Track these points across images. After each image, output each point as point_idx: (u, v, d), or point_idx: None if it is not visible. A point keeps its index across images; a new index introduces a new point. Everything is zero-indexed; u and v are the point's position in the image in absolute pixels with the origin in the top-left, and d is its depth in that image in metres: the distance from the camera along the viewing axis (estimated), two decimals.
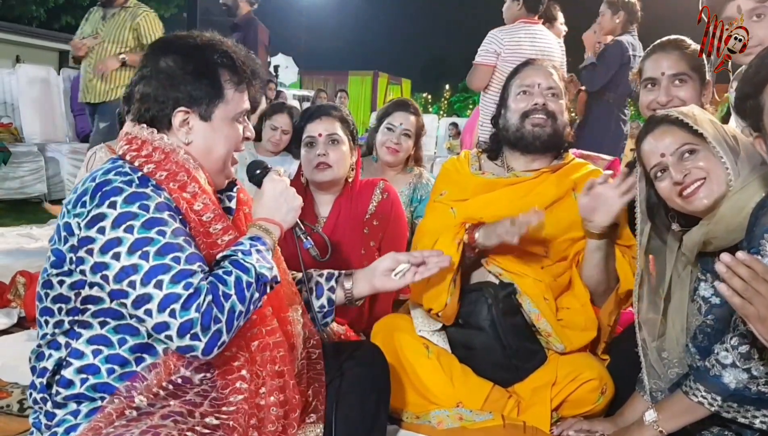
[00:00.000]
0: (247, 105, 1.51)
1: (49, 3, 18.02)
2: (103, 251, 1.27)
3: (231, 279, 1.29)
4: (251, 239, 1.40)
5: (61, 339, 1.37)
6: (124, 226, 1.27)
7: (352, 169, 2.42)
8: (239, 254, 1.34)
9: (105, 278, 1.27)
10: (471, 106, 21.03)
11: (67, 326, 1.37)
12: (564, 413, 2.02)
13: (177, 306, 1.23)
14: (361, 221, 2.38)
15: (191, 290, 1.24)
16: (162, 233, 1.28)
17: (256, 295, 1.33)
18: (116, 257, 1.26)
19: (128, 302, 1.26)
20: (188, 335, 1.23)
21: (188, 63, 1.43)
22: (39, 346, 1.42)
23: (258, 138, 3.87)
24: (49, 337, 1.39)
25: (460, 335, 2.12)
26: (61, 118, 6.72)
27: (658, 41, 2.19)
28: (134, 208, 1.29)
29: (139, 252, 1.25)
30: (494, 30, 4.14)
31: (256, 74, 1.52)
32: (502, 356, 2.06)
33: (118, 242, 1.26)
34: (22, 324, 2.80)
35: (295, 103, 12.31)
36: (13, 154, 5.58)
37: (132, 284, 1.25)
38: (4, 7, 16.98)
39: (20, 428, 1.87)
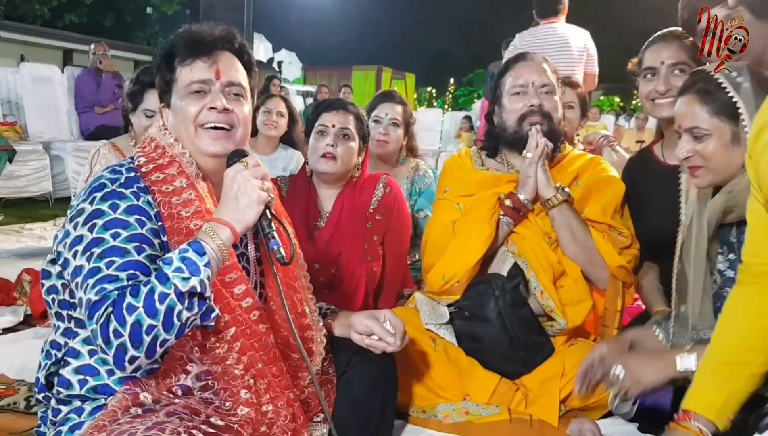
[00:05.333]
0: (196, 76, 1.42)
1: (53, 2, 18.07)
2: (70, 247, 1.28)
3: (144, 290, 1.18)
4: (189, 243, 1.26)
5: (60, 339, 1.39)
6: (89, 224, 1.27)
7: (357, 169, 2.40)
8: (161, 263, 1.23)
9: (68, 275, 1.29)
10: (476, 100, 21.00)
11: (65, 323, 1.38)
12: (572, 404, 2.01)
13: (89, 312, 1.20)
14: (364, 215, 2.37)
15: (99, 297, 1.19)
16: (116, 236, 1.25)
17: (178, 307, 1.19)
18: (74, 255, 1.26)
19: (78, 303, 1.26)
20: (100, 345, 1.19)
21: (156, 61, 1.49)
22: (44, 344, 1.43)
23: (254, 134, 3.84)
24: (53, 335, 1.41)
25: (467, 327, 2.12)
26: (65, 116, 6.72)
27: (659, 32, 2.18)
28: (104, 206, 1.28)
29: (88, 253, 1.24)
30: (519, 33, 4.57)
31: (206, 45, 1.43)
32: (510, 348, 2.05)
33: (80, 239, 1.26)
34: (28, 322, 2.81)
35: (299, 99, 12.32)
36: (17, 153, 5.57)
37: (77, 286, 1.24)
38: (9, 6, 17.04)
39: (27, 424, 1.86)
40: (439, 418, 2.00)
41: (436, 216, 2.29)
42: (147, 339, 1.17)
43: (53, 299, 1.39)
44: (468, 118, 11.89)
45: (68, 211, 1.36)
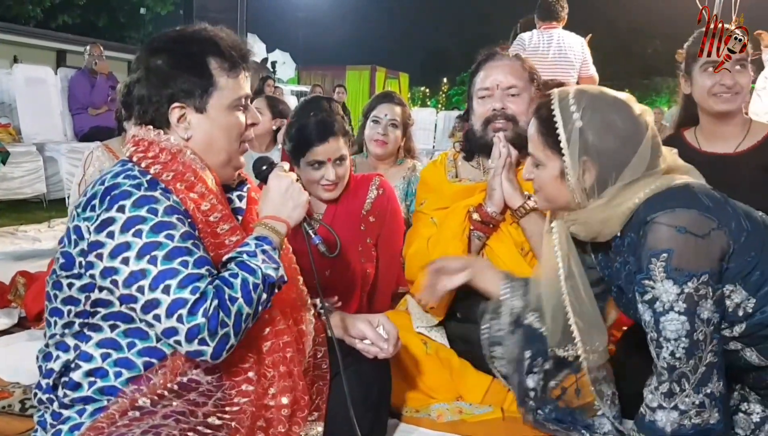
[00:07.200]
0: (244, 90, 1.48)
1: (46, 2, 17.98)
2: (113, 255, 1.27)
3: (237, 282, 1.28)
4: (257, 238, 1.37)
5: (70, 341, 1.37)
6: (132, 230, 1.27)
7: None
8: (244, 256, 1.33)
9: (114, 282, 1.27)
10: None
11: (77, 327, 1.37)
12: (563, 403, 2.02)
13: (184, 311, 1.22)
14: (358, 217, 2.37)
15: (198, 295, 1.23)
16: (170, 237, 1.27)
17: (264, 296, 1.31)
18: (125, 261, 1.26)
19: (137, 306, 1.26)
20: (196, 340, 1.22)
21: (174, 58, 1.43)
22: (47, 346, 1.42)
23: None
24: (57, 337, 1.39)
25: (458, 329, 2.13)
26: (59, 117, 6.69)
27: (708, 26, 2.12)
28: (143, 212, 1.28)
29: (148, 257, 1.25)
30: (522, 33, 4.80)
31: (246, 57, 1.50)
32: None
33: (127, 246, 1.26)
34: (22, 324, 2.80)
35: (293, 99, 12.31)
36: (11, 155, 5.57)
37: (141, 289, 1.25)
38: (1, 7, 16.96)
39: (22, 427, 1.87)
40: (433, 417, 2.01)
41: (415, 228, 2.27)
42: (243, 327, 1.28)
43: (69, 311, 1.37)
44: (461, 117, 11.89)
45: (80, 223, 1.31)
